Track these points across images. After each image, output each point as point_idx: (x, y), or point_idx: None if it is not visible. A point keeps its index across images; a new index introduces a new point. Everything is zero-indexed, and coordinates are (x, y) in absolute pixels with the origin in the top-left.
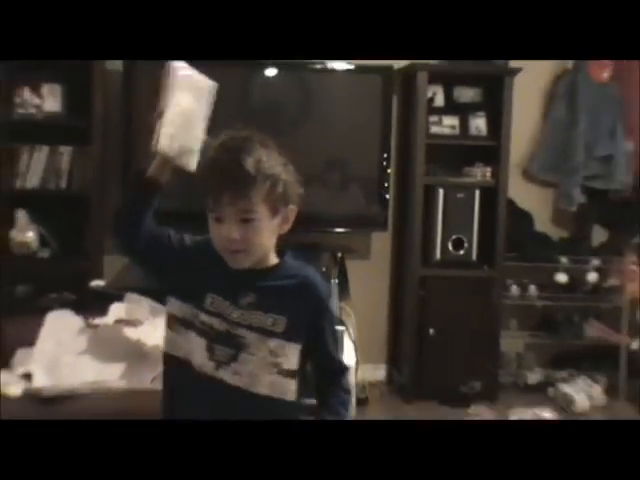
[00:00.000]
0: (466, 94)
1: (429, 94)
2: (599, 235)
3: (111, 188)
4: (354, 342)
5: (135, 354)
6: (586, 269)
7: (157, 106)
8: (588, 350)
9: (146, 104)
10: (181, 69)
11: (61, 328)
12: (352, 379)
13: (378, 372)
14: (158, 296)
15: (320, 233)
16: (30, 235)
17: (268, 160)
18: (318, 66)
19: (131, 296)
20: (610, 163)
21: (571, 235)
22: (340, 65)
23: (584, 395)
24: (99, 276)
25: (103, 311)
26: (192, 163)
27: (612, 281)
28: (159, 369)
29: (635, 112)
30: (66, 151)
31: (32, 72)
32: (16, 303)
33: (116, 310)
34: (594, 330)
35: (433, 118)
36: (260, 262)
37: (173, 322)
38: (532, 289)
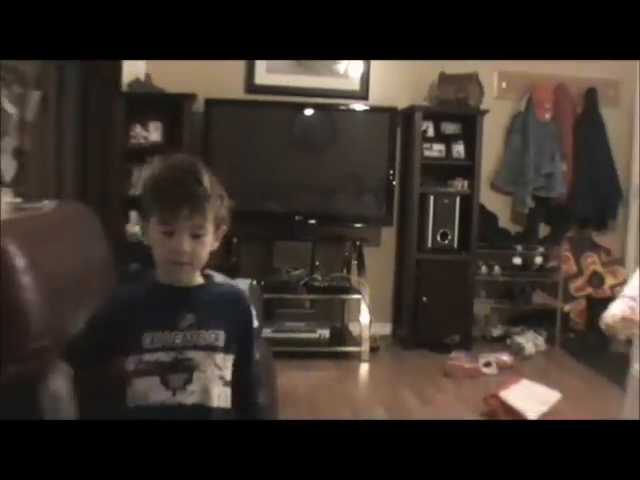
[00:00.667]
0: (450, 128)
1: (423, 127)
2: (543, 230)
3: None
4: (368, 306)
5: None
6: (534, 254)
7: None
8: (535, 312)
9: (220, 137)
10: None
11: None
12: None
13: (385, 328)
14: (227, 272)
15: (344, 228)
16: (138, 228)
17: (215, 182)
18: (342, 107)
19: (207, 272)
20: (551, 178)
21: (524, 230)
22: (359, 106)
23: (531, 344)
24: None
25: None
26: None
27: (552, 263)
28: None
29: (568, 143)
30: None
31: (142, 113)
32: (129, 277)
33: None
34: (539, 298)
35: (426, 145)
36: (191, 280)
37: (127, 378)
38: (496, 269)
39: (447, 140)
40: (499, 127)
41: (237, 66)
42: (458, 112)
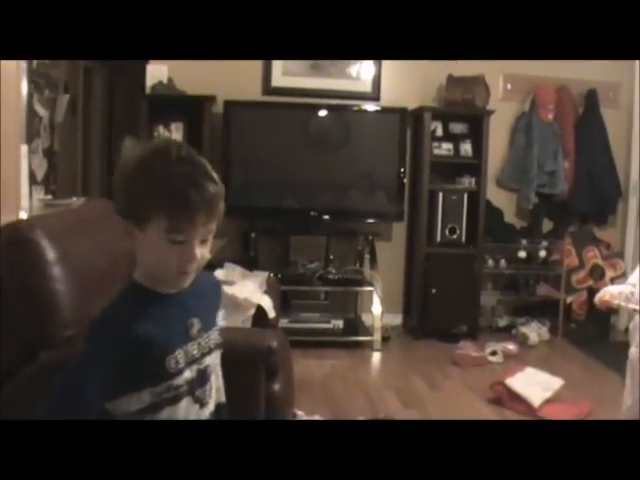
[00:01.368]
0: (458, 127)
1: (432, 127)
2: (547, 225)
3: None
4: (380, 298)
5: (231, 304)
6: (538, 248)
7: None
8: (539, 303)
9: (239, 137)
10: None
11: None
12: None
13: (396, 319)
14: (246, 265)
15: (356, 223)
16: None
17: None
18: (355, 108)
19: (228, 264)
20: (554, 176)
21: (528, 225)
22: (370, 107)
23: (535, 334)
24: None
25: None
26: None
27: (555, 256)
28: (247, 314)
29: (569, 142)
30: None
31: (164, 114)
32: None
33: (218, 274)
34: (543, 290)
35: (435, 144)
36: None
37: (148, 412)
38: (502, 262)
39: (455, 139)
40: (504, 127)
41: (254, 69)
42: (465, 113)
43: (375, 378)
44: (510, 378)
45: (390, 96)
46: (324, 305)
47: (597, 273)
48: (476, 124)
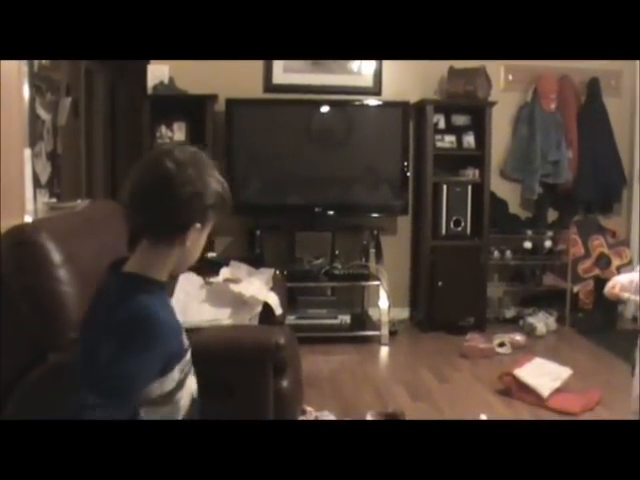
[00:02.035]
0: (460, 120)
1: (434, 120)
2: (552, 215)
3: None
4: (386, 292)
5: (237, 302)
6: (543, 238)
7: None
8: (545, 293)
9: (241, 135)
10: None
11: (188, 284)
12: None
13: (403, 312)
14: (251, 262)
15: (361, 217)
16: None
17: None
18: (357, 103)
19: (234, 262)
20: (558, 165)
21: (533, 215)
22: (372, 102)
23: (543, 324)
24: (213, 250)
25: (216, 273)
26: None
27: (561, 246)
28: (254, 312)
29: (572, 131)
30: None
31: (166, 114)
32: None
33: (224, 272)
34: (549, 280)
35: (438, 136)
36: None
37: (178, 389)
38: (508, 253)
39: (458, 131)
40: (507, 118)
41: (255, 67)
42: (467, 104)
43: (383, 372)
44: (518, 369)
45: (392, 90)
46: (331, 301)
47: (603, 262)
48: (478, 116)
